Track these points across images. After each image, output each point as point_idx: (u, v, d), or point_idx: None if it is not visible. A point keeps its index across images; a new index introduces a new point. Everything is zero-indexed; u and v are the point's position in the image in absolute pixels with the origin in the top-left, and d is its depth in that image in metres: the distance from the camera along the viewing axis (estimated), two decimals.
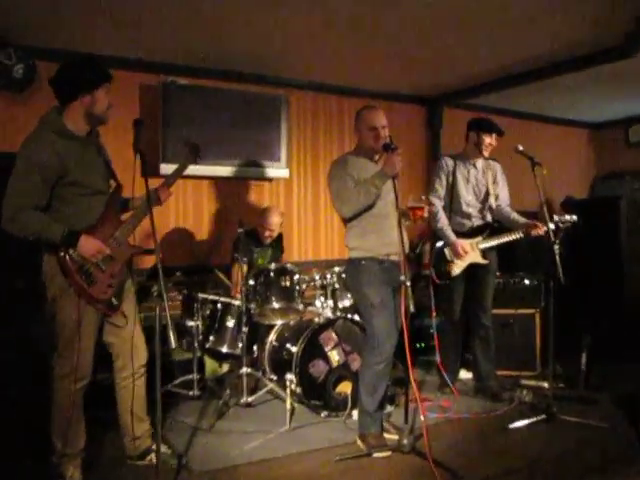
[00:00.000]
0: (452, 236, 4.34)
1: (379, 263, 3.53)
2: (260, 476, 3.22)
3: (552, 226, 4.10)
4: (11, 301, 4.01)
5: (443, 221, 4.37)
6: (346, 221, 3.61)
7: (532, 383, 4.76)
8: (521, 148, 4.10)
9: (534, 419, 3.91)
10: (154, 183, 3.18)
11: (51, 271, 2.94)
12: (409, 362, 3.21)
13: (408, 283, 3.21)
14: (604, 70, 5.25)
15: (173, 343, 2.66)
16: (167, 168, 4.98)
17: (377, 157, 3.64)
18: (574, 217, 4.26)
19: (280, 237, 5.09)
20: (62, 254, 2.88)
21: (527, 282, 5.24)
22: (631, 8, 4.08)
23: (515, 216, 4.49)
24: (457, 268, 4.38)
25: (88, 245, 2.89)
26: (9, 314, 3.98)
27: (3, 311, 3.97)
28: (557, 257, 3.92)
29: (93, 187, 3.00)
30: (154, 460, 3.13)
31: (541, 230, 4.14)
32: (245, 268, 4.28)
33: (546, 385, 4.63)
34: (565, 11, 4.14)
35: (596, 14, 4.20)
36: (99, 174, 3.06)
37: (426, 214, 3.54)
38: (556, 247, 3.95)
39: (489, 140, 4.40)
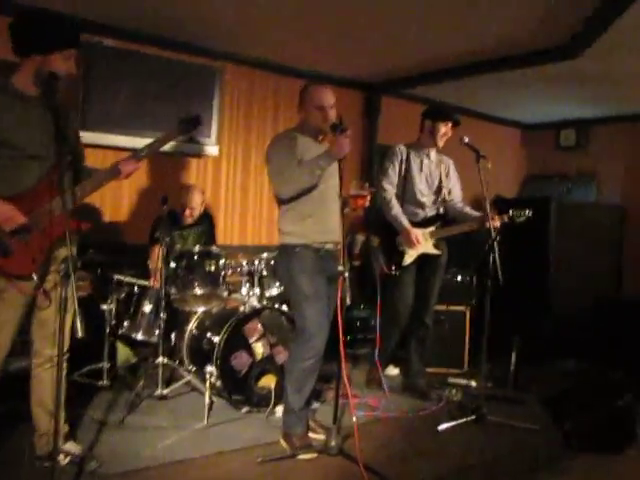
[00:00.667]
0: (406, 223, 4.14)
1: (315, 251, 3.28)
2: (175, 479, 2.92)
3: (506, 220, 4.04)
4: None
5: (397, 208, 4.17)
6: (282, 203, 3.33)
7: (460, 382, 4.66)
8: (467, 140, 3.95)
9: (463, 420, 3.79)
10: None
11: None
12: (342, 356, 3.01)
13: (346, 274, 2.99)
14: (545, 70, 5.20)
15: (80, 331, 2.33)
16: (86, 136, 4.53)
17: (321, 137, 3.39)
18: (529, 212, 4.15)
19: (209, 220, 4.77)
20: None
21: (459, 278, 5.15)
22: (579, 8, 4.00)
23: (468, 210, 4.34)
24: (409, 258, 4.19)
25: None
26: None
27: None
28: (497, 255, 3.80)
29: (29, 151, 2.61)
30: (63, 462, 2.85)
31: (496, 222, 4.00)
32: (164, 250, 3.92)
33: (474, 384, 4.59)
34: (513, 6, 4.01)
35: (544, 11, 4.09)
36: (41, 138, 2.65)
37: (367, 203, 3.32)
38: (496, 245, 3.84)
39: (444, 129, 4.23)
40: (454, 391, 4.32)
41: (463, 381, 4.67)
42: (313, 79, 5.54)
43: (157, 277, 3.98)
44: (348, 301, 2.99)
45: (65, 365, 2.78)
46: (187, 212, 4.51)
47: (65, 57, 2.62)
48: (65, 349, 2.75)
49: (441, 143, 4.26)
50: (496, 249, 3.82)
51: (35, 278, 2.63)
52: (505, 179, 7.79)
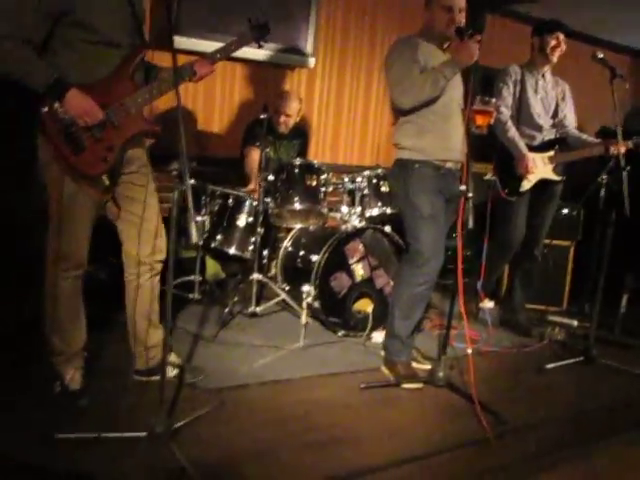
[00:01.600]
0: (523, 148, 3.80)
1: (435, 169, 3.00)
2: (275, 400, 2.79)
3: (630, 145, 3.64)
4: None
5: (513, 130, 3.82)
6: (400, 114, 3.04)
7: (561, 320, 4.37)
8: (601, 56, 3.56)
9: (571, 360, 3.54)
10: (165, 58, 2.50)
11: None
12: (460, 284, 2.77)
13: (470, 194, 2.71)
14: None
15: (195, 237, 2.13)
16: (181, 42, 4.33)
17: (446, 45, 3.06)
18: None
19: (304, 136, 4.52)
20: (44, 108, 2.29)
21: (565, 211, 4.78)
22: None
23: (586, 136, 3.98)
24: (527, 183, 3.85)
25: (76, 101, 2.28)
26: None
27: None
28: (625, 185, 3.44)
29: (107, 36, 2.36)
30: (171, 374, 2.76)
31: (622, 148, 3.60)
32: (263, 156, 3.69)
33: (576, 323, 4.30)
34: None
35: None
36: (119, 24, 2.41)
37: (492, 121, 3.00)
38: (625, 174, 3.47)
39: (554, 42, 3.83)
40: (557, 329, 4.05)
41: (564, 320, 4.38)
42: None
43: (255, 181, 3.76)
44: (471, 224, 2.72)
45: (159, 273, 2.68)
46: (282, 119, 4.25)
47: None
48: (163, 255, 2.64)
49: (554, 58, 3.87)
50: (625, 179, 3.45)
51: (105, 180, 2.45)
52: (609, 109, 7.18)
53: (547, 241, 4.57)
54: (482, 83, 4.99)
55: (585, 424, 2.91)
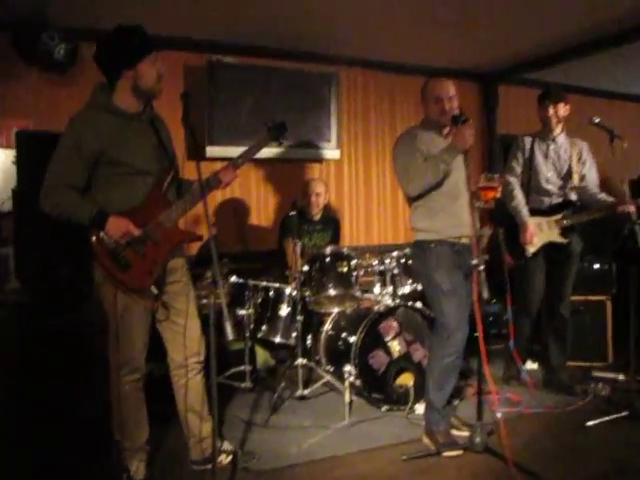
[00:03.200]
0: (524, 217, 4.02)
1: (450, 246, 3.25)
2: (323, 476, 2.99)
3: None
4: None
5: (519, 199, 4.05)
6: (412, 200, 3.34)
7: (606, 375, 4.41)
8: (597, 120, 3.77)
9: (615, 416, 3.59)
10: (201, 167, 2.90)
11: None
12: (483, 352, 2.94)
13: (481, 267, 2.94)
14: None
15: (230, 334, 2.42)
16: (213, 151, 4.80)
17: (446, 131, 3.36)
18: None
19: (336, 222, 4.87)
20: (93, 236, 2.70)
21: (597, 266, 4.89)
22: None
23: (603, 196, 4.10)
24: (531, 247, 4.05)
25: (115, 225, 2.67)
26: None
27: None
28: (639, 239, 3.58)
29: (138, 167, 2.76)
30: (225, 461, 3.02)
31: (631, 207, 3.76)
32: (299, 248, 4.06)
33: (622, 377, 4.32)
34: None
35: None
36: (147, 153, 2.81)
37: (498, 195, 3.26)
38: (638, 228, 3.62)
39: (552, 110, 4.08)
40: (600, 385, 4.09)
41: (609, 375, 4.42)
42: (426, 74, 5.50)
43: (295, 269, 4.09)
44: (485, 295, 2.93)
45: (202, 371, 2.97)
46: (313, 199, 4.62)
47: (151, 62, 2.74)
48: (202, 356, 2.95)
49: (553, 124, 4.10)
50: (639, 233, 3.59)
51: (154, 290, 2.78)
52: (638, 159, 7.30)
53: (582, 297, 4.71)
54: (503, 150, 5.30)
55: (627, 478, 2.97)
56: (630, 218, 3.68)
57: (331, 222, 4.85)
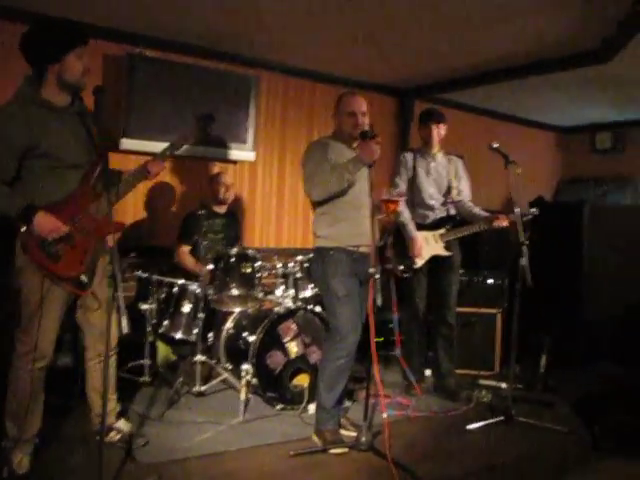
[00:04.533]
0: (412, 231, 4.27)
1: (348, 254, 3.40)
2: (210, 470, 3.07)
3: (513, 219, 4.07)
4: None
5: (406, 215, 4.29)
6: (315, 206, 3.48)
7: (490, 383, 4.72)
8: (496, 145, 4.01)
9: (492, 420, 3.86)
10: (115, 159, 2.96)
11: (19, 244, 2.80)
12: (374, 357, 3.11)
13: (377, 276, 3.10)
14: (578, 74, 5.22)
15: (125, 328, 2.50)
16: (128, 143, 4.77)
17: (355, 144, 3.51)
18: (535, 210, 4.24)
19: (237, 218, 4.98)
20: (23, 229, 2.72)
21: (491, 281, 5.20)
22: (612, 12, 4.03)
23: (477, 210, 4.42)
24: (419, 260, 4.29)
25: (42, 222, 2.71)
26: None
27: None
28: (525, 258, 3.86)
29: (68, 160, 2.81)
30: (114, 438, 3.14)
31: (504, 222, 4.09)
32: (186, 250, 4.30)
33: (504, 386, 4.62)
34: (545, 12, 4.07)
35: (575, 16, 4.14)
36: (77, 146, 2.85)
37: (400, 208, 3.45)
38: (524, 248, 3.89)
39: (427, 131, 4.37)
40: (484, 392, 4.38)
41: (493, 383, 4.72)
42: (347, 85, 5.69)
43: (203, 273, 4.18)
44: (379, 302, 3.09)
45: (114, 359, 3.12)
46: (222, 190, 4.69)
47: (78, 56, 2.77)
48: (114, 345, 3.06)
49: (433, 144, 4.38)
50: (525, 252, 3.87)
51: (84, 279, 2.83)
52: (541, 182, 7.79)
53: (475, 310, 5.01)
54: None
55: (495, 477, 3.22)
56: (519, 237, 3.95)
57: (235, 217, 4.98)
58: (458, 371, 4.68)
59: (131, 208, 4.93)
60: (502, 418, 3.87)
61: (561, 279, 5.99)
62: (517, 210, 3.97)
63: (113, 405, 3.23)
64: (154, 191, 5.03)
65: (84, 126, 2.87)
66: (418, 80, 6.08)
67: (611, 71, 5.01)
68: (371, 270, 3.12)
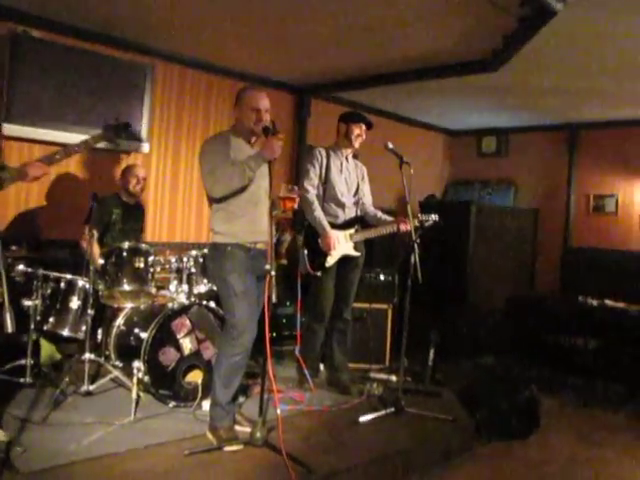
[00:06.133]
0: (327, 227, 4.28)
1: (245, 250, 3.38)
2: (99, 474, 2.94)
3: (417, 223, 4.24)
4: None
5: (319, 210, 4.31)
6: (213, 202, 3.42)
7: (381, 376, 4.86)
8: (391, 146, 4.15)
9: (383, 412, 3.98)
10: None
11: None
12: (268, 352, 3.12)
13: (273, 272, 3.11)
14: (467, 81, 5.49)
15: (10, 327, 2.35)
16: (10, 129, 4.50)
17: (254, 139, 3.49)
18: (435, 217, 4.39)
19: (143, 212, 4.85)
20: None
21: (382, 278, 5.35)
22: (500, 26, 4.27)
23: (380, 214, 4.55)
24: (331, 259, 4.32)
25: None
26: None
27: None
28: (416, 256, 4.00)
29: None
30: None
31: (408, 226, 4.21)
32: (96, 236, 4.05)
33: (394, 378, 4.79)
34: (438, 21, 4.27)
35: (467, 27, 4.36)
36: None
37: (296, 205, 3.47)
38: (416, 246, 4.04)
39: (358, 131, 4.42)
40: (375, 385, 4.50)
41: (384, 376, 4.87)
42: (245, 80, 5.66)
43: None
44: (274, 299, 3.11)
45: None
46: (134, 181, 4.57)
47: None
48: None
49: (356, 144, 4.45)
50: (416, 250, 4.02)
51: None
52: (432, 182, 8.11)
53: (367, 305, 5.13)
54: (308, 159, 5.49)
55: (386, 466, 3.33)
56: (410, 235, 4.09)
57: (143, 210, 4.87)
58: (351, 365, 4.79)
59: (13, 200, 4.65)
60: (392, 409, 4.00)
61: (448, 275, 6.30)
62: (420, 216, 4.31)
63: None
64: (42, 183, 4.75)
65: None
66: (316, 78, 6.14)
67: (497, 80, 5.31)
68: (267, 266, 3.14)
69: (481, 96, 6.31)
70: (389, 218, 4.47)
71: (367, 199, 4.63)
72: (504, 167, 7.97)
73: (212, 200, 3.43)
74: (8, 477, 2.81)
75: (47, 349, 4.34)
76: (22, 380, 3.96)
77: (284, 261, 5.88)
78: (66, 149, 2.90)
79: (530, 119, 7.30)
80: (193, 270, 4.18)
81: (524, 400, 4.24)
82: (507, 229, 7.01)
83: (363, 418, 3.89)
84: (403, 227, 4.25)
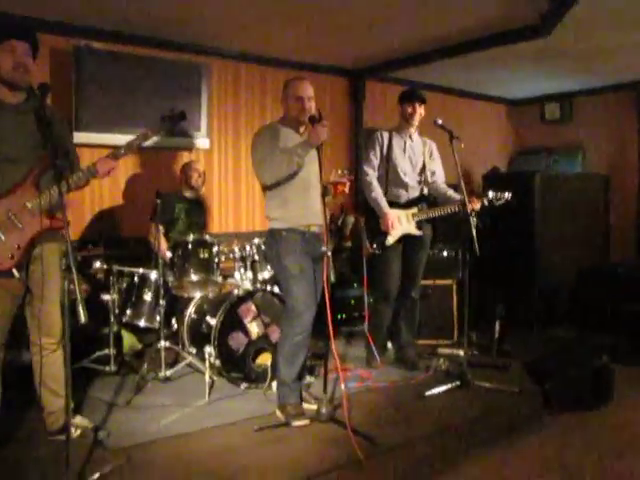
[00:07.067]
0: (385, 207, 4.35)
1: (300, 234, 3.51)
2: (177, 451, 3.16)
3: (486, 203, 4.27)
4: None
5: (377, 191, 4.38)
6: (266, 190, 3.57)
7: (448, 351, 4.89)
8: (440, 122, 4.14)
9: (449, 386, 4.03)
10: None
11: None
12: (330, 332, 3.22)
13: (329, 253, 3.22)
14: (521, 48, 5.36)
15: (83, 318, 2.57)
16: (81, 137, 4.79)
17: (302, 129, 3.61)
18: (508, 195, 4.38)
19: (205, 206, 5.07)
20: None
21: (445, 254, 5.38)
22: None
23: (451, 192, 4.51)
24: (391, 238, 4.38)
25: None
26: None
27: None
28: (474, 230, 4.01)
29: (9, 154, 2.86)
30: (75, 434, 3.11)
31: (476, 204, 4.20)
32: (162, 231, 4.31)
33: (462, 353, 4.79)
34: None
35: None
36: (19, 142, 2.90)
37: (347, 190, 3.57)
38: (473, 219, 4.05)
39: (410, 109, 4.44)
40: (442, 360, 4.55)
41: (451, 350, 4.90)
42: (297, 68, 5.77)
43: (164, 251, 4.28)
44: (333, 279, 3.23)
45: (60, 353, 3.09)
46: (195, 175, 4.82)
47: (5, 50, 2.83)
48: (56, 338, 3.07)
49: (414, 122, 4.46)
50: (473, 224, 4.02)
51: (16, 273, 2.87)
52: (494, 154, 7.98)
53: (431, 282, 5.16)
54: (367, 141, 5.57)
55: (450, 437, 3.40)
56: (466, 210, 4.09)
57: (204, 204, 5.11)
58: (419, 342, 4.86)
59: (88, 201, 4.97)
60: (458, 383, 4.05)
61: (515, 247, 6.21)
62: (491, 195, 4.34)
63: (62, 403, 3.04)
64: (112, 183, 5.06)
65: (37, 123, 2.88)
66: (368, 60, 6.17)
67: (551, 44, 5.17)
68: (323, 248, 3.25)
69: (539, 62, 6.15)
70: (457, 196, 4.39)
71: (439, 176, 4.61)
72: (570, 133, 7.73)
73: (265, 188, 3.58)
74: (99, 453, 3.07)
75: (128, 339, 4.65)
76: (107, 368, 4.27)
77: (349, 243, 5.98)
78: (128, 143, 3.11)
79: (593, 81, 7.04)
80: (256, 257, 4.37)
81: (595, 369, 4.17)
82: (576, 197, 6.79)
83: (429, 392, 3.95)
84: (469, 206, 4.11)
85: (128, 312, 4.28)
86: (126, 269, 4.30)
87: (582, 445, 3.62)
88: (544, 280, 6.13)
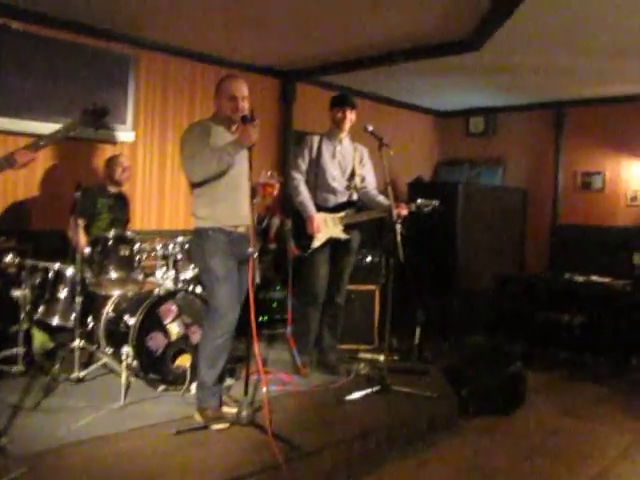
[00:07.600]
0: (311, 210, 4.34)
1: (227, 234, 3.45)
2: (88, 456, 3.02)
3: (414, 209, 4.33)
4: None
5: (304, 194, 4.37)
6: (194, 187, 3.49)
7: (369, 356, 4.94)
8: (371, 128, 4.18)
9: (369, 390, 4.06)
10: None
11: None
12: (254, 334, 3.18)
13: (255, 255, 3.18)
14: (450, 61, 5.51)
15: None
16: None
17: (234, 128, 3.55)
18: (436, 202, 4.45)
19: (128, 201, 4.91)
20: None
21: (369, 259, 5.42)
22: (478, 6, 4.29)
23: (381, 198, 4.49)
24: (317, 241, 4.37)
25: None
26: None
27: None
28: (398, 237, 4.06)
29: None
30: None
31: (404, 210, 4.24)
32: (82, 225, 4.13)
33: (382, 358, 4.85)
34: (417, 2, 4.27)
35: (445, 8, 4.38)
36: None
37: (276, 192, 3.54)
38: (398, 226, 4.09)
39: (340, 115, 4.45)
40: (362, 365, 4.59)
41: (372, 355, 4.95)
42: (229, 67, 5.68)
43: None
44: (258, 280, 3.19)
45: None
46: (119, 170, 4.66)
47: None
48: None
49: (345, 127, 4.47)
50: (398, 231, 4.07)
51: None
52: (419, 163, 8.15)
53: (354, 287, 5.19)
54: (297, 145, 5.60)
55: (369, 441, 3.42)
56: (390, 216, 4.13)
57: (127, 200, 4.94)
58: (341, 346, 4.86)
59: (0, 191, 4.71)
60: (378, 388, 4.08)
61: (437, 256, 6.36)
62: (419, 201, 4.41)
63: None
64: (28, 173, 4.81)
65: None
66: (300, 63, 6.16)
67: (480, 59, 5.33)
68: (250, 250, 3.21)
69: (467, 76, 6.33)
70: (387, 202, 4.36)
71: (369, 182, 4.61)
72: (492, 147, 8.00)
73: (193, 185, 3.50)
74: (1, 462, 2.88)
75: (39, 338, 4.40)
76: (14, 369, 4.04)
77: (273, 245, 5.95)
78: (51, 134, 2.94)
79: (516, 98, 7.32)
80: (179, 256, 4.26)
81: (509, 376, 4.33)
82: (496, 209, 7.05)
83: (349, 397, 3.97)
84: (397, 211, 4.13)
85: (40, 309, 4.08)
86: (40, 264, 4.09)
87: (495, 448, 3.74)
88: (463, 288, 6.31)
